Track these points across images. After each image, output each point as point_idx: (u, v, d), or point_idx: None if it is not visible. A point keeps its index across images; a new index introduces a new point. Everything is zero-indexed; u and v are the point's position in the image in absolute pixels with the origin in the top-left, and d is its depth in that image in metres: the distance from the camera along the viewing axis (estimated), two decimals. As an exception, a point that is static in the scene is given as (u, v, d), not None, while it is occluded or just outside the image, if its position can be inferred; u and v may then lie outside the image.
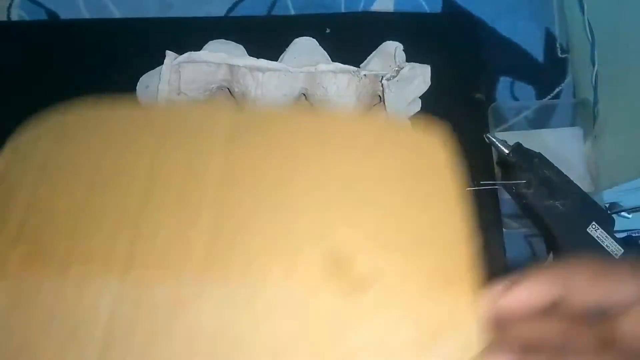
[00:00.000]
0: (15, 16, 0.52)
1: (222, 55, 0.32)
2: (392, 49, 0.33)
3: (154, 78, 0.32)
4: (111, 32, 0.51)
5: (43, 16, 0.52)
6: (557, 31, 0.53)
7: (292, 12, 0.53)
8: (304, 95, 0.34)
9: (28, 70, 0.49)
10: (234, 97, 0.35)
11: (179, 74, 0.32)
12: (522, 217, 0.48)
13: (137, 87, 0.33)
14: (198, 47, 0.32)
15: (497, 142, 0.43)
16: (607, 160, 0.48)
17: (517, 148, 0.42)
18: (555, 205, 0.40)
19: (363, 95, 0.33)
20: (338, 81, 0.32)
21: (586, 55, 0.48)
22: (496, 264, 0.46)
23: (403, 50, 0.33)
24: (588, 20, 0.48)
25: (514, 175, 0.42)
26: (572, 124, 0.50)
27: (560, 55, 0.53)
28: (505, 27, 0.53)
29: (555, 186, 0.40)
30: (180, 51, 0.32)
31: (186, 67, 0.32)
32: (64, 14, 0.52)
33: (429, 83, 0.33)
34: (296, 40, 0.33)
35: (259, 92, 0.32)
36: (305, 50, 0.33)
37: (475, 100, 0.49)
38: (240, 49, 0.33)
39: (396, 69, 0.32)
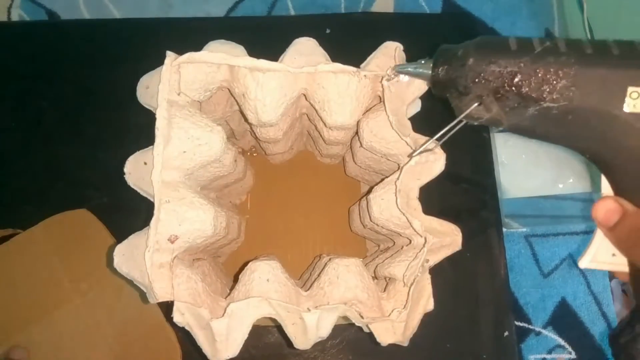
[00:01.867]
0: (15, 16, 0.52)
1: (222, 56, 0.31)
2: (393, 49, 0.33)
3: (154, 78, 0.32)
4: (111, 32, 0.51)
5: (43, 16, 0.52)
6: (556, 31, 0.53)
7: (293, 13, 0.53)
8: (304, 95, 0.34)
9: (28, 70, 0.49)
10: (234, 97, 0.34)
11: (179, 75, 0.32)
12: (523, 216, 0.48)
13: (137, 88, 0.33)
14: (198, 48, 0.32)
15: (408, 70, 0.30)
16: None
17: (440, 56, 0.27)
18: (547, 107, 0.24)
19: (363, 95, 0.33)
20: (338, 81, 0.32)
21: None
22: (496, 264, 0.46)
23: (403, 50, 0.33)
24: (587, 19, 0.48)
25: (463, 101, 0.26)
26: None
27: (560, 56, 0.53)
28: (504, 27, 0.53)
29: (528, 81, 0.24)
30: (180, 51, 0.32)
31: (186, 68, 0.32)
32: (64, 14, 0.52)
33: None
34: (296, 40, 0.33)
35: (259, 93, 0.32)
36: (305, 51, 0.33)
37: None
38: (240, 49, 0.33)
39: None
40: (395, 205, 0.32)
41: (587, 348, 0.47)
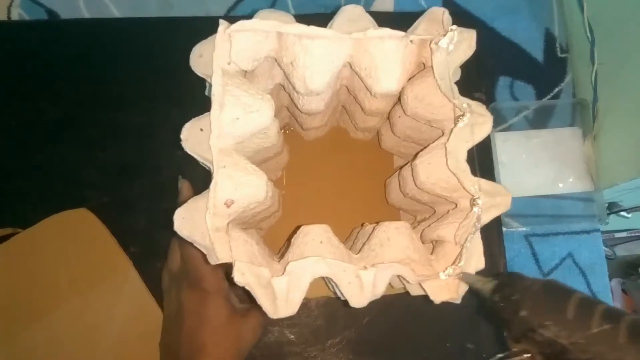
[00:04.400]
0: (15, 15, 0.52)
1: (272, 23, 0.31)
2: (440, 14, 0.33)
3: (207, 47, 0.32)
4: (111, 31, 0.51)
5: (43, 15, 0.52)
6: (556, 31, 0.53)
7: (292, 12, 0.53)
8: (349, 64, 0.34)
9: (28, 69, 0.49)
10: (281, 67, 0.34)
11: (229, 44, 0.32)
12: (523, 216, 0.48)
13: (190, 57, 0.33)
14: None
15: (473, 282, 0.30)
16: (607, 160, 0.48)
17: (498, 290, 0.27)
18: None
19: (409, 62, 0.33)
20: (385, 47, 0.32)
21: (586, 54, 0.49)
22: (496, 263, 0.46)
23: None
24: (587, 19, 0.48)
25: (513, 344, 0.26)
26: (572, 124, 0.50)
27: (559, 55, 0.53)
28: (504, 27, 0.54)
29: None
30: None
31: (236, 36, 0.32)
32: (64, 14, 0.52)
33: (474, 48, 0.33)
34: (343, 7, 0.33)
35: (308, 60, 0.32)
36: (353, 17, 0.33)
37: (475, 100, 0.50)
38: (289, 17, 0.33)
39: (444, 33, 0.32)
40: (442, 168, 0.33)
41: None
